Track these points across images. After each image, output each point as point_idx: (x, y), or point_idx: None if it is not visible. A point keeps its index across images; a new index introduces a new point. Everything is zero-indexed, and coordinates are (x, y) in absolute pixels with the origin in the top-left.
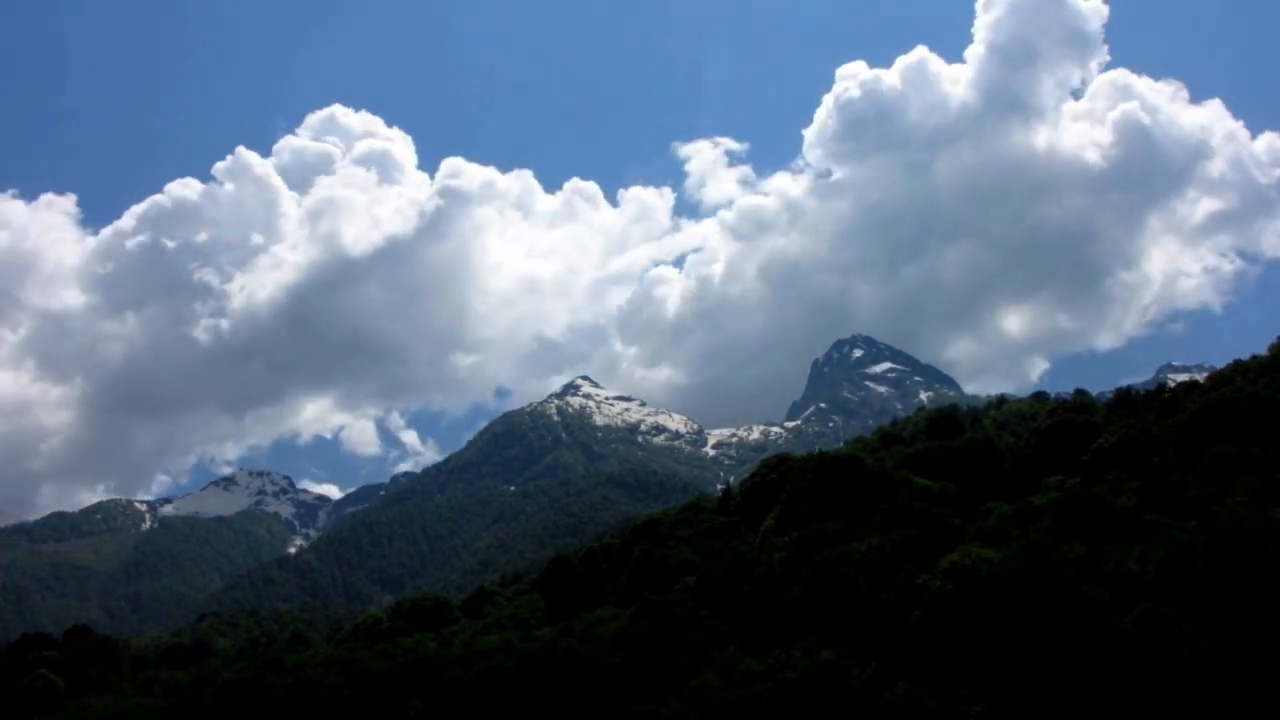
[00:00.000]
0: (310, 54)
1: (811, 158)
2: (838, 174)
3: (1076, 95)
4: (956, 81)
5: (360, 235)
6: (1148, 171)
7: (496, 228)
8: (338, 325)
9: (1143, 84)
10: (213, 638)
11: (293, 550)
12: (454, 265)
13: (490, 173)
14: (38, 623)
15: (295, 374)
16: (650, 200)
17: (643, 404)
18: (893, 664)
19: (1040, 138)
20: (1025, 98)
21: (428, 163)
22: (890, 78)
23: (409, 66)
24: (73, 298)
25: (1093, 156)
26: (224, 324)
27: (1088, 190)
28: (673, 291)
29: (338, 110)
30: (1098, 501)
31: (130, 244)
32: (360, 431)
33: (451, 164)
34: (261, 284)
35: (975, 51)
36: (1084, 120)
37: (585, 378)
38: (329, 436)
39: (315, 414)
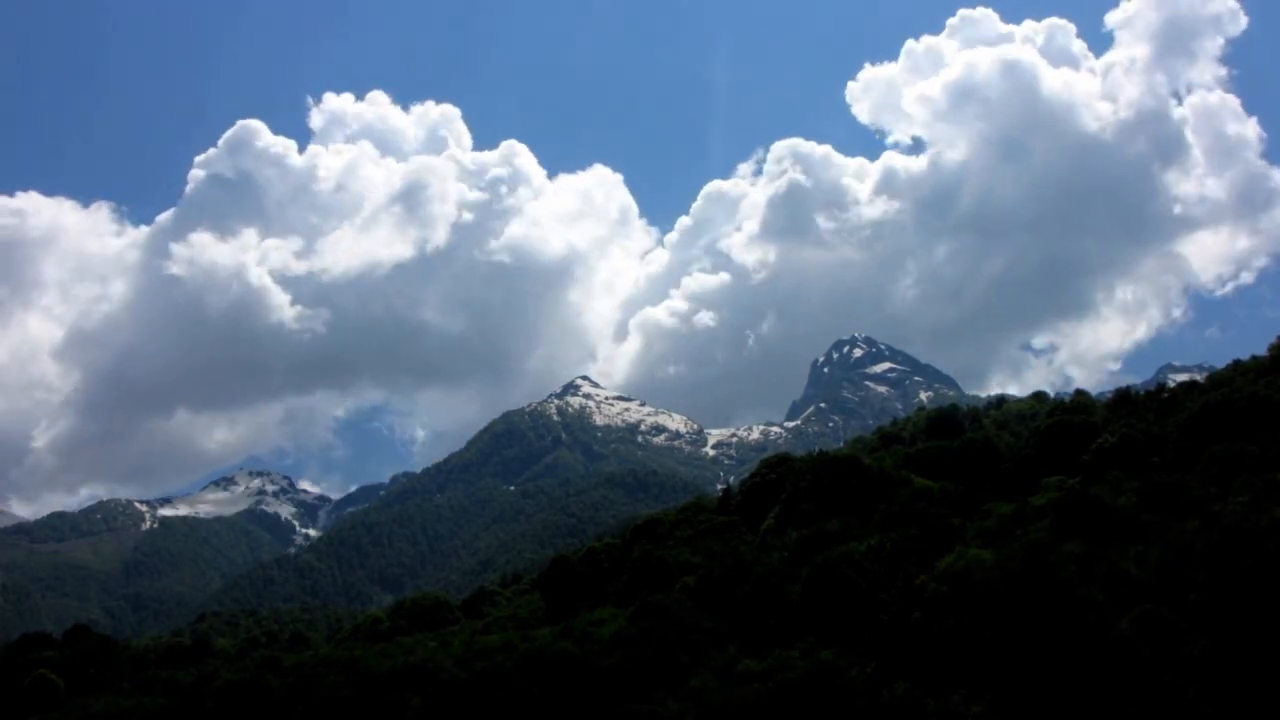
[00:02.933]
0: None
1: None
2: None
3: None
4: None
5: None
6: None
7: (545, 223)
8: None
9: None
10: (213, 638)
11: (293, 550)
12: (509, 259)
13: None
14: (38, 623)
15: (316, 371)
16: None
17: (643, 404)
18: (892, 664)
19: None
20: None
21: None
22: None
23: (444, 59)
24: (94, 293)
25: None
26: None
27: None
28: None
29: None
30: (1097, 502)
31: (160, 243)
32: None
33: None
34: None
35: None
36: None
37: (585, 378)
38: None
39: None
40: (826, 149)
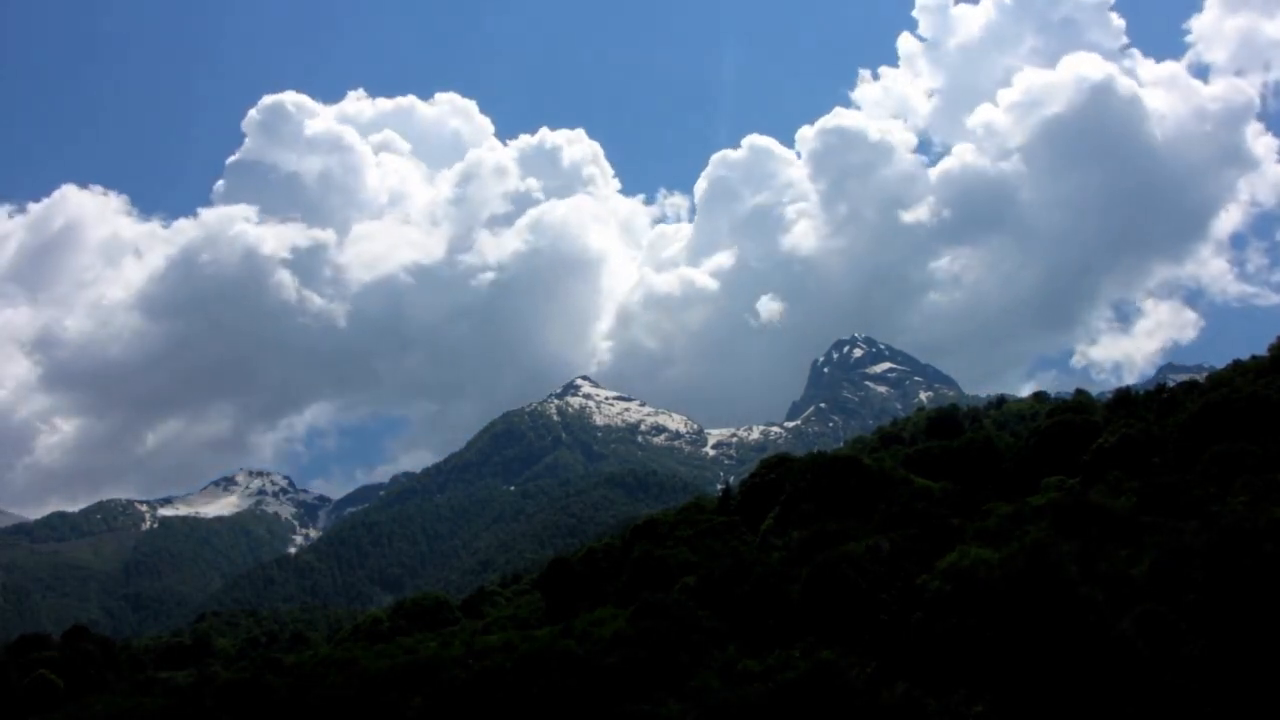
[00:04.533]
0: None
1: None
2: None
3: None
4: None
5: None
6: None
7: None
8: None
9: None
10: (213, 638)
11: (293, 550)
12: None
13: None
14: (38, 623)
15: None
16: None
17: (643, 404)
18: (893, 664)
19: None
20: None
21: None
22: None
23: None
24: (108, 290)
25: None
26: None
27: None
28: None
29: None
30: (1097, 502)
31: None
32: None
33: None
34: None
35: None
36: None
37: (585, 378)
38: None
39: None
40: (874, 128)
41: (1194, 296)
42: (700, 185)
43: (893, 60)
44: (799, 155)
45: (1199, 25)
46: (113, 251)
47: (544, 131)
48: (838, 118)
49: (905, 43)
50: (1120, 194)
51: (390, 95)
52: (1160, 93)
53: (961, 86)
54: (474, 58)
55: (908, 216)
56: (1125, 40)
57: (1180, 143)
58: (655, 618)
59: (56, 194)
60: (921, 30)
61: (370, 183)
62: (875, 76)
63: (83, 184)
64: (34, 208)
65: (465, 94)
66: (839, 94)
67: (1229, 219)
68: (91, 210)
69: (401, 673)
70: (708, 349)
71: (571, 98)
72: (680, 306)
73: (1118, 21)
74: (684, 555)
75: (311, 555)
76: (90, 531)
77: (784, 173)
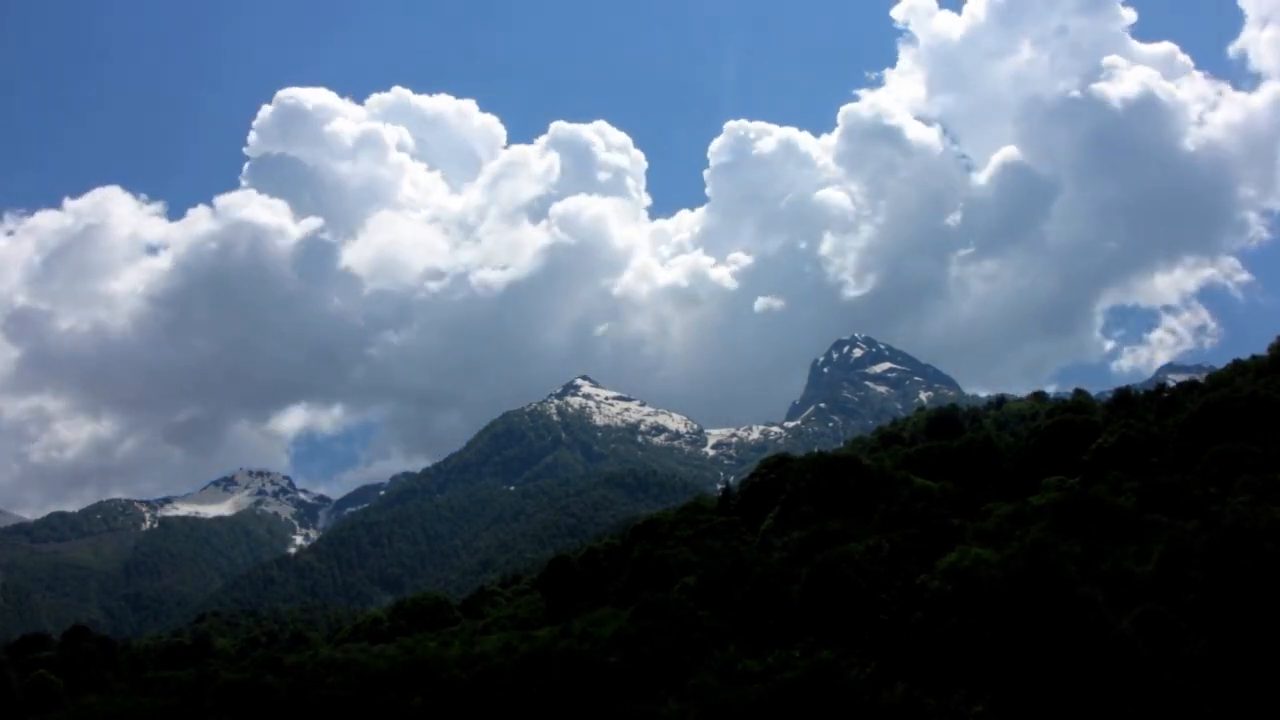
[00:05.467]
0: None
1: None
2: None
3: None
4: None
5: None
6: None
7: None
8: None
9: None
10: (213, 638)
11: (293, 550)
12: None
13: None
14: (38, 623)
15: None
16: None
17: (643, 404)
18: (893, 664)
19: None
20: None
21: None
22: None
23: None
24: (113, 287)
25: None
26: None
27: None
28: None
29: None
30: (1097, 501)
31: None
32: None
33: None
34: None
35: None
36: None
37: (585, 377)
38: None
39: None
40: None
41: (1217, 306)
42: (705, 183)
43: (893, 65)
44: (812, 151)
45: (1241, 41)
46: (124, 251)
47: (561, 128)
48: (868, 106)
49: (904, 48)
50: (1143, 202)
51: (384, 92)
52: (1196, 104)
53: (965, 91)
54: (475, 57)
55: (924, 221)
56: (1129, 32)
57: (1210, 152)
58: (655, 617)
59: (90, 196)
60: (919, 35)
61: (379, 180)
62: (878, 82)
63: (126, 188)
64: (70, 204)
65: (459, 94)
66: (845, 94)
67: (1256, 230)
68: (114, 210)
69: (401, 673)
70: (708, 346)
71: (572, 101)
72: (684, 302)
73: (1125, 14)
74: (684, 555)
75: (311, 555)
76: (90, 531)
77: (791, 169)
